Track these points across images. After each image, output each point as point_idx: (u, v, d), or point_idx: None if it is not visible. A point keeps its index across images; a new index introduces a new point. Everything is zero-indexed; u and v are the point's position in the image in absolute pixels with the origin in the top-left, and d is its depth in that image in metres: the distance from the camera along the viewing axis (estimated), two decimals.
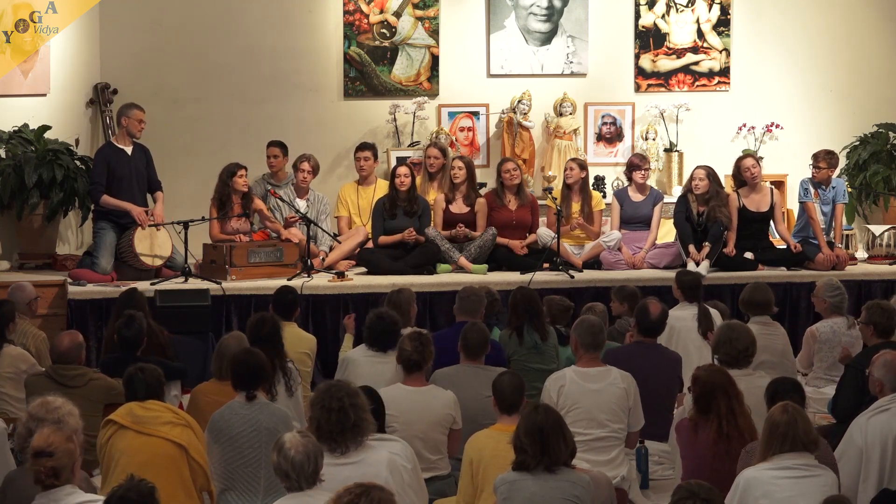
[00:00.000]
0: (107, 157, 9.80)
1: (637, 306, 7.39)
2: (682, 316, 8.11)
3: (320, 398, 5.21)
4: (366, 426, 5.19)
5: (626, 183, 10.83)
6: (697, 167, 10.39)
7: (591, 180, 11.30)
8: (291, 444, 4.67)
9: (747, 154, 11.10)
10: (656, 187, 11.37)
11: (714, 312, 8.19)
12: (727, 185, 10.82)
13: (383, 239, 10.15)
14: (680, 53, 12.20)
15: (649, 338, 7.22)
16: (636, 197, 10.61)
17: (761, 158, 11.32)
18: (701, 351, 7.78)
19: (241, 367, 5.90)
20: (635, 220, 10.54)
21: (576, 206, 10.49)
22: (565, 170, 10.54)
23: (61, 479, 4.62)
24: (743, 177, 10.43)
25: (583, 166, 10.60)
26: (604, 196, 11.01)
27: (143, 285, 8.93)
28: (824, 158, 10.55)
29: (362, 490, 4.12)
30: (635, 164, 10.62)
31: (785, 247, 10.47)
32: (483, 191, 10.73)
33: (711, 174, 10.29)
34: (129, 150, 9.87)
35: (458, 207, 10.36)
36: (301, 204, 10.37)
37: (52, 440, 4.66)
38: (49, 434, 4.70)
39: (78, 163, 10.14)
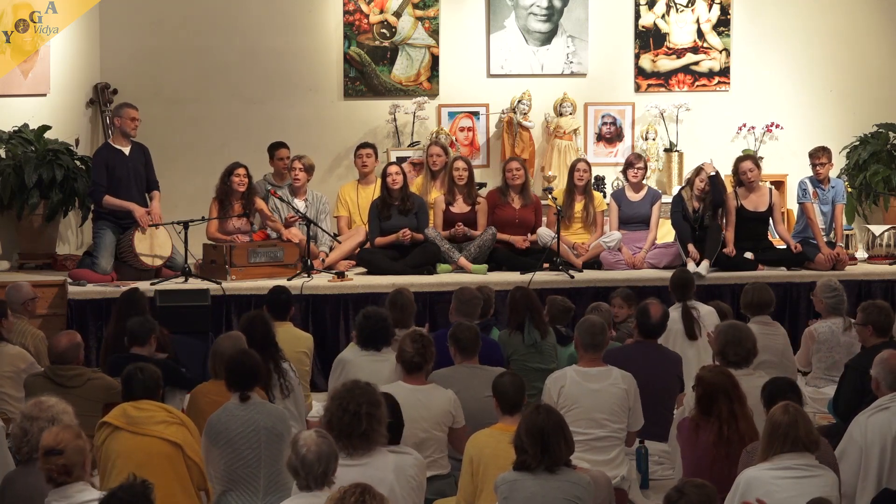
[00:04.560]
0: (105, 158, 9.73)
1: (638, 308, 7.38)
2: (673, 317, 7.98)
3: (340, 395, 5.13)
4: (376, 437, 5.11)
5: (624, 182, 10.84)
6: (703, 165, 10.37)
7: (592, 180, 11.32)
8: (306, 442, 4.62)
9: (747, 156, 11.07)
10: (656, 187, 11.37)
11: (706, 311, 8.16)
12: (728, 183, 10.82)
13: (379, 240, 10.13)
14: (680, 53, 12.20)
15: (650, 339, 7.22)
16: (633, 196, 10.60)
17: (761, 159, 11.31)
18: (685, 351, 7.74)
19: (237, 367, 5.88)
20: (634, 219, 10.54)
21: (578, 207, 10.49)
22: (577, 171, 10.46)
23: (73, 475, 4.60)
24: (741, 178, 10.43)
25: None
26: (604, 196, 11.00)
27: (143, 285, 8.93)
28: (824, 154, 10.57)
29: (363, 489, 4.10)
30: (629, 162, 10.65)
31: (785, 247, 10.46)
32: (483, 191, 10.73)
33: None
34: (126, 150, 9.81)
35: (459, 207, 10.36)
36: (300, 204, 10.34)
37: (61, 438, 4.63)
38: (58, 432, 4.67)
39: (78, 163, 10.14)
